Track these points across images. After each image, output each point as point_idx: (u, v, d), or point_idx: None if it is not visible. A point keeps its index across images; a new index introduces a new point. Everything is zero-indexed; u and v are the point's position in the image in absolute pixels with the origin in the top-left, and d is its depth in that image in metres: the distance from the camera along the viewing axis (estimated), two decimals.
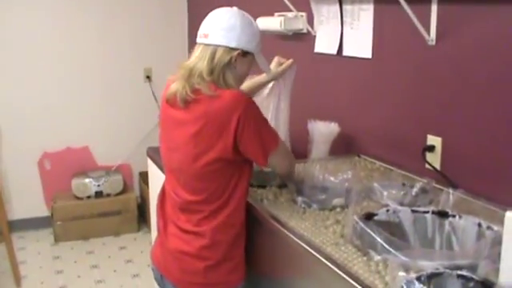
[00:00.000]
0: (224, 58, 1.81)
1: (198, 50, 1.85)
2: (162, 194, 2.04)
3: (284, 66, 2.20)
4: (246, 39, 1.84)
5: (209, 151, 1.78)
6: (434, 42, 2.12)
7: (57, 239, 4.57)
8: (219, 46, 1.81)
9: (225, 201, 1.85)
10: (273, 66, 2.20)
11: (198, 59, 1.82)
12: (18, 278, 3.84)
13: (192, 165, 1.82)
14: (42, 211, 4.80)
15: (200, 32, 1.87)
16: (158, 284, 2.06)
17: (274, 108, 2.27)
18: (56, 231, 4.57)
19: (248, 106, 1.77)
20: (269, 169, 2.02)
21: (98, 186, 4.65)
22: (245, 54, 1.86)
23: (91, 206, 4.63)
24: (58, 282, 3.90)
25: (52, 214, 4.59)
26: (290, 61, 2.20)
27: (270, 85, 2.27)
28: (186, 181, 1.87)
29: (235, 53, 1.82)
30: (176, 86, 1.82)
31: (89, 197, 4.64)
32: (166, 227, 1.98)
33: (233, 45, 1.82)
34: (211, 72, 1.80)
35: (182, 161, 1.85)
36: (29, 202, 4.75)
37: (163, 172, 2.10)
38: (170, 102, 1.87)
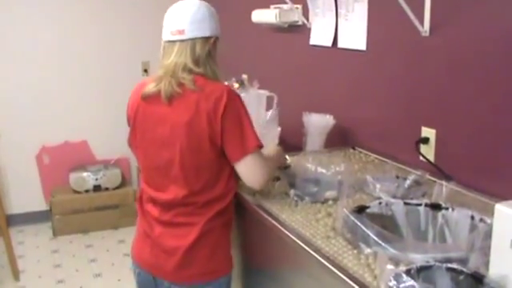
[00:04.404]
0: (204, 48, 1.84)
1: (175, 48, 1.85)
2: (141, 196, 2.01)
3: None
4: (216, 26, 1.89)
5: (202, 140, 1.78)
6: (427, 34, 2.10)
7: (55, 233, 4.57)
8: (196, 38, 1.83)
9: (220, 191, 1.85)
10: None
11: (179, 55, 1.83)
12: (16, 272, 3.84)
13: (187, 156, 1.80)
14: (41, 205, 4.81)
15: (172, 29, 1.86)
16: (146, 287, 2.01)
17: None
18: (54, 225, 4.58)
19: (235, 97, 1.80)
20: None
21: (97, 179, 4.65)
22: (216, 40, 1.89)
23: (89, 199, 4.63)
24: (56, 276, 3.91)
25: (50, 208, 4.59)
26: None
27: None
28: (178, 174, 1.83)
29: (211, 41, 1.86)
30: (159, 85, 1.82)
31: (87, 191, 4.64)
32: (153, 229, 1.93)
33: (208, 34, 1.85)
34: (197, 64, 1.83)
35: (174, 154, 1.82)
36: (27, 196, 4.76)
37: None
38: (150, 99, 1.86)
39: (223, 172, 1.85)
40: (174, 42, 1.85)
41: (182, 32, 1.83)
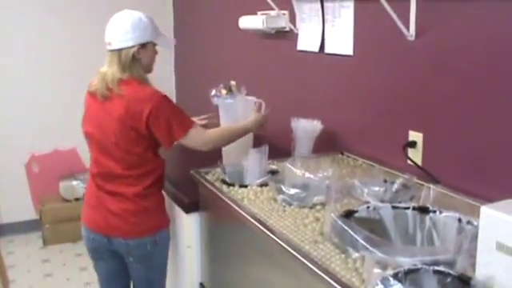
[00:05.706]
0: (128, 55, 2.24)
1: (108, 57, 2.28)
2: (91, 173, 2.41)
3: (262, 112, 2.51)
4: (139, 34, 2.25)
5: (129, 132, 2.21)
6: (413, 38, 2.12)
7: (45, 242, 4.55)
8: (121, 48, 2.24)
9: (151, 166, 2.31)
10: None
11: (109, 64, 2.26)
12: (6, 283, 3.81)
13: (120, 141, 2.23)
14: (31, 214, 4.77)
15: (106, 41, 2.28)
16: (98, 250, 2.44)
17: None
18: (45, 234, 4.55)
19: (160, 102, 2.19)
20: None
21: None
22: (143, 45, 2.27)
23: (79, 208, 4.51)
24: (47, 286, 3.90)
25: (40, 217, 4.57)
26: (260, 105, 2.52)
27: None
28: (115, 153, 2.26)
29: (135, 48, 2.24)
30: (96, 86, 2.27)
31: (77, 199, 4.61)
32: (101, 198, 2.34)
33: (131, 44, 2.24)
34: (123, 70, 2.24)
35: (111, 138, 2.24)
36: (17, 205, 4.72)
37: None
38: (93, 95, 2.31)
39: (147, 153, 2.28)
40: (108, 51, 2.28)
41: (110, 44, 2.27)
